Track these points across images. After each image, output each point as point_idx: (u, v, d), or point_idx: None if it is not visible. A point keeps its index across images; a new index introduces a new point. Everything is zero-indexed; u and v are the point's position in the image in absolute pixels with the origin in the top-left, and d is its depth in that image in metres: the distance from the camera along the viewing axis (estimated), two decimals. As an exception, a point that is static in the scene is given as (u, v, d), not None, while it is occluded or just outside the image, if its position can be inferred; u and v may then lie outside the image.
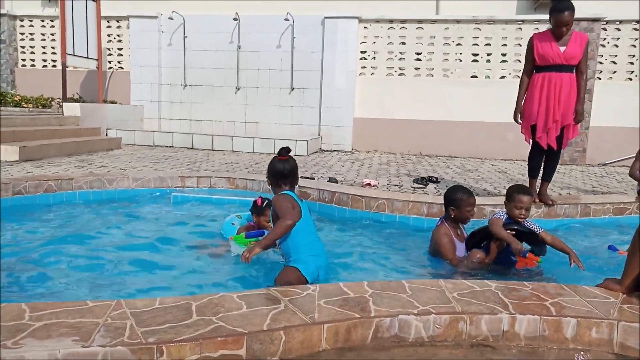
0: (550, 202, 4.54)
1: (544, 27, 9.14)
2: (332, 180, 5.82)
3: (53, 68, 11.09)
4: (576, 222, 4.51)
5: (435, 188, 5.64)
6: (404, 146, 9.90)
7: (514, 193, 3.13)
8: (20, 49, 11.35)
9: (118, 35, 11.02)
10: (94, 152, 7.92)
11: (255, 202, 3.49)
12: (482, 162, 8.83)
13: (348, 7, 9.84)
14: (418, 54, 9.75)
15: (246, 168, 6.73)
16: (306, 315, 1.88)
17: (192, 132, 9.64)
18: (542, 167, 4.67)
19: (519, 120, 4.58)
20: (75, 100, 9.93)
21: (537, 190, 4.63)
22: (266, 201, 3.39)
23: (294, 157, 2.86)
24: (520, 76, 4.65)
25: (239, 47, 10.11)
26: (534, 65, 4.43)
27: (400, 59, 9.82)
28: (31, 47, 11.32)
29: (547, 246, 3.09)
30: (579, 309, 2.06)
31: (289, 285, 2.48)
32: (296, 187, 2.87)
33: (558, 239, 3.07)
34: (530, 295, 2.19)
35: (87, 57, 9.73)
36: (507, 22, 9.38)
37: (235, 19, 9.92)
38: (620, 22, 9.05)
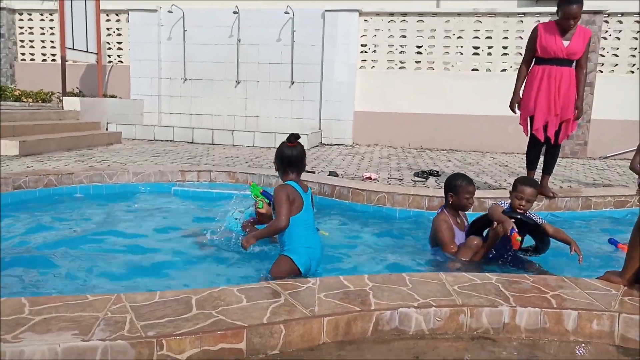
0: (552, 195, 4.53)
1: (545, 20, 9.07)
2: (332, 174, 5.81)
3: (52, 62, 11.05)
4: (577, 215, 4.51)
5: (435, 181, 5.63)
6: (404, 140, 9.88)
7: (518, 183, 3.14)
8: (19, 43, 11.30)
9: (118, 29, 10.97)
10: (94, 146, 7.91)
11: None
12: (483, 156, 8.81)
13: (348, 0, 9.78)
14: (419, 47, 9.70)
15: (246, 162, 6.72)
16: (306, 309, 1.88)
17: (192, 126, 9.62)
18: (540, 159, 4.65)
19: (516, 110, 4.55)
20: (75, 95, 9.90)
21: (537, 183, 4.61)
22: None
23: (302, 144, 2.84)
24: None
25: (239, 40, 10.07)
26: (534, 56, 4.39)
27: (400, 52, 9.77)
28: (30, 41, 11.27)
29: (550, 240, 3.07)
30: (579, 301, 2.05)
31: (281, 274, 2.56)
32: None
33: (561, 230, 3.06)
34: (531, 288, 2.18)
35: (87, 51, 9.69)
36: (508, 14, 9.32)
37: (235, 12, 9.86)
38: (622, 14, 8.98)
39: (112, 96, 10.44)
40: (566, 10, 4.10)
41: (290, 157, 2.72)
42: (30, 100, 9.13)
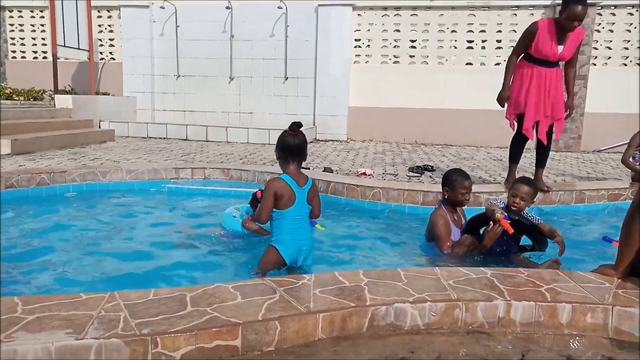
0: (546, 189, 4.55)
1: (538, 13, 9.10)
2: (327, 169, 5.80)
3: (44, 60, 10.96)
4: (571, 208, 4.53)
5: (430, 176, 5.64)
6: (399, 135, 9.88)
7: (515, 181, 3.17)
8: (10, 41, 11.20)
9: (109, 26, 10.88)
10: (86, 144, 7.86)
11: (254, 194, 3.46)
12: (477, 150, 8.83)
13: (342, -5, 9.75)
14: (412, 41, 9.69)
15: (241, 159, 6.70)
16: (301, 305, 1.88)
17: (186, 123, 9.58)
18: (522, 154, 4.68)
19: (505, 104, 4.55)
20: (67, 92, 9.83)
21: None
22: None
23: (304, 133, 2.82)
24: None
25: (232, 36, 10.01)
26: (526, 50, 4.36)
27: (394, 46, 9.75)
28: (21, 38, 11.17)
29: (548, 240, 3.06)
30: (574, 295, 2.06)
31: (267, 263, 2.65)
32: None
33: (556, 231, 3.04)
34: (525, 282, 2.19)
35: (78, 48, 9.61)
36: (502, 7, 9.31)
37: (227, 8, 9.80)
38: (615, 7, 8.99)
39: (104, 93, 10.37)
40: (572, 10, 3.93)
41: (292, 145, 2.70)
42: (21, 98, 9.05)
